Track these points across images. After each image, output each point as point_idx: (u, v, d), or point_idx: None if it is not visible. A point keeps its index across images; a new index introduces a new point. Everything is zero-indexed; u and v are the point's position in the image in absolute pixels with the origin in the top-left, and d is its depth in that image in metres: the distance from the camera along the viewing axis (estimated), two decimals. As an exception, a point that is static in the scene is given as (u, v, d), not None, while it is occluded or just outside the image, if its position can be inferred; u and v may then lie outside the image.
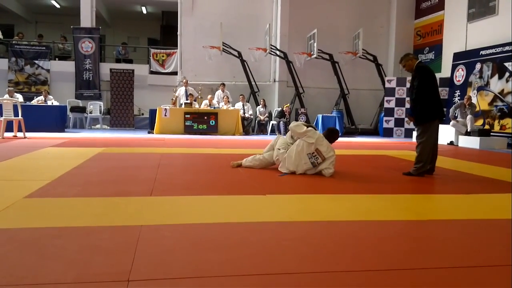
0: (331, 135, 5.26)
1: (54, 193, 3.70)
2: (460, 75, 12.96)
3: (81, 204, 3.34)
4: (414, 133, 12.49)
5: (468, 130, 10.55)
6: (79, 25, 15.18)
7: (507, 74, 11.15)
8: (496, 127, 11.31)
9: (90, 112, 14.45)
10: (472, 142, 10.24)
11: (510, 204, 3.84)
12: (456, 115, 10.97)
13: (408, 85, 13.56)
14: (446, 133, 11.16)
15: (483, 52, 11.96)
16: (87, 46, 15.00)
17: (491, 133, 10.70)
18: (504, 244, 2.62)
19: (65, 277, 1.91)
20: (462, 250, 2.50)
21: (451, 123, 10.94)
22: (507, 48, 11.22)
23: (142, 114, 15.35)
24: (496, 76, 11.49)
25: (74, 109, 14.20)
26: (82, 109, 14.32)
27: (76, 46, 15.03)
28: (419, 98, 5.15)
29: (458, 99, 12.35)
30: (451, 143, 10.86)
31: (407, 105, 13.55)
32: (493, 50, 11.68)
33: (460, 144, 10.62)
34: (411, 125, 13.43)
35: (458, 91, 12.82)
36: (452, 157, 7.73)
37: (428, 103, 5.18)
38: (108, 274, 1.95)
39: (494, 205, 3.88)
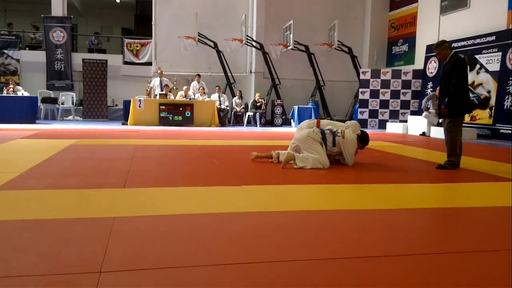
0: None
1: (25, 186, 3.61)
2: (432, 67, 13.20)
3: (52, 197, 3.28)
4: (394, 125, 12.71)
5: (440, 121, 10.76)
6: (50, 14, 14.78)
7: (477, 66, 11.42)
8: (467, 118, 11.56)
9: (62, 103, 14.14)
10: (443, 133, 10.43)
11: (482, 193, 3.96)
12: (428, 106, 11.17)
13: (382, 77, 13.75)
14: (418, 124, 11.38)
15: (455, 45, 12.18)
16: (58, 35, 14.63)
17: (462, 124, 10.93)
18: (475, 231, 2.70)
19: (36, 269, 1.87)
20: (432, 237, 2.57)
21: (423, 114, 11.15)
22: (478, 40, 11.48)
23: (116, 105, 15.11)
24: (467, 68, 11.72)
25: (45, 100, 13.88)
26: (54, 100, 14.00)
27: (47, 36, 14.64)
28: (458, 92, 5.13)
29: (431, 91, 12.57)
30: (423, 133, 11.08)
31: (382, 97, 13.74)
32: (464, 43, 11.93)
33: (432, 135, 10.83)
34: (385, 116, 13.66)
35: (431, 82, 13.06)
36: (424, 148, 7.90)
37: (464, 97, 5.20)
38: (80, 266, 1.92)
39: (465, 194, 3.99)
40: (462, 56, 5.59)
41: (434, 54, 13.25)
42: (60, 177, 4.03)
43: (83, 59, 14.47)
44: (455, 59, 5.25)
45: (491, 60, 11.02)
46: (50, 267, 1.90)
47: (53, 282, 1.76)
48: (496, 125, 10.61)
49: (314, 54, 15.00)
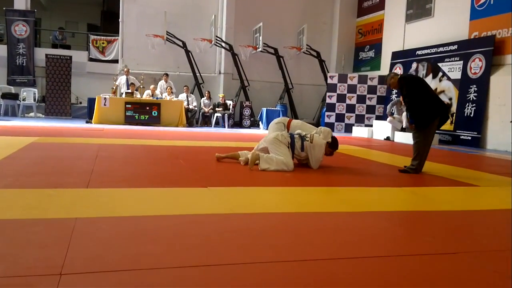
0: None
1: (-19, 184, 3.48)
2: (397, 74, 13.52)
3: (11, 196, 3.17)
4: (359, 129, 12.92)
5: (404, 126, 11.05)
6: (12, 7, 14.29)
7: (440, 73, 11.78)
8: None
9: (23, 99, 13.70)
10: (407, 138, 10.70)
11: (443, 197, 4.09)
12: (393, 111, 11.46)
13: (349, 81, 13.99)
14: (383, 129, 11.64)
15: (419, 52, 12.55)
16: (20, 29, 14.16)
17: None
18: (435, 234, 2.78)
19: (-8, 272, 1.80)
20: (394, 240, 2.63)
21: (388, 119, 11.42)
22: (441, 49, 11.84)
23: (80, 103, 14.76)
24: (431, 75, 12.09)
25: (5, 95, 13.42)
26: (15, 96, 13.55)
27: (9, 29, 14.14)
28: (412, 106, 5.27)
29: (395, 97, 12.88)
30: (388, 138, 11.34)
31: (348, 101, 13.97)
32: (428, 51, 12.28)
33: (396, 140, 11.10)
34: (351, 120, 13.90)
35: (395, 88, 13.36)
36: (388, 152, 8.09)
37: (422, 108, 5.25)
38: (39, 267, 1.86)
39: (426, 197, 4.10)
40: (406, 75, 5.83)
41: (399, 60, 13.57)
42: (20, 176, 3.90)
43: (46, 55, 14.04)
44: (398, 80, 5.41)
45: (453, 68, 11.39)
46: (8, 269, 1.84)
47: (11, 285, 1.70)
48: (457, 131, 10.98)
49: (283, 57, 15.11)
